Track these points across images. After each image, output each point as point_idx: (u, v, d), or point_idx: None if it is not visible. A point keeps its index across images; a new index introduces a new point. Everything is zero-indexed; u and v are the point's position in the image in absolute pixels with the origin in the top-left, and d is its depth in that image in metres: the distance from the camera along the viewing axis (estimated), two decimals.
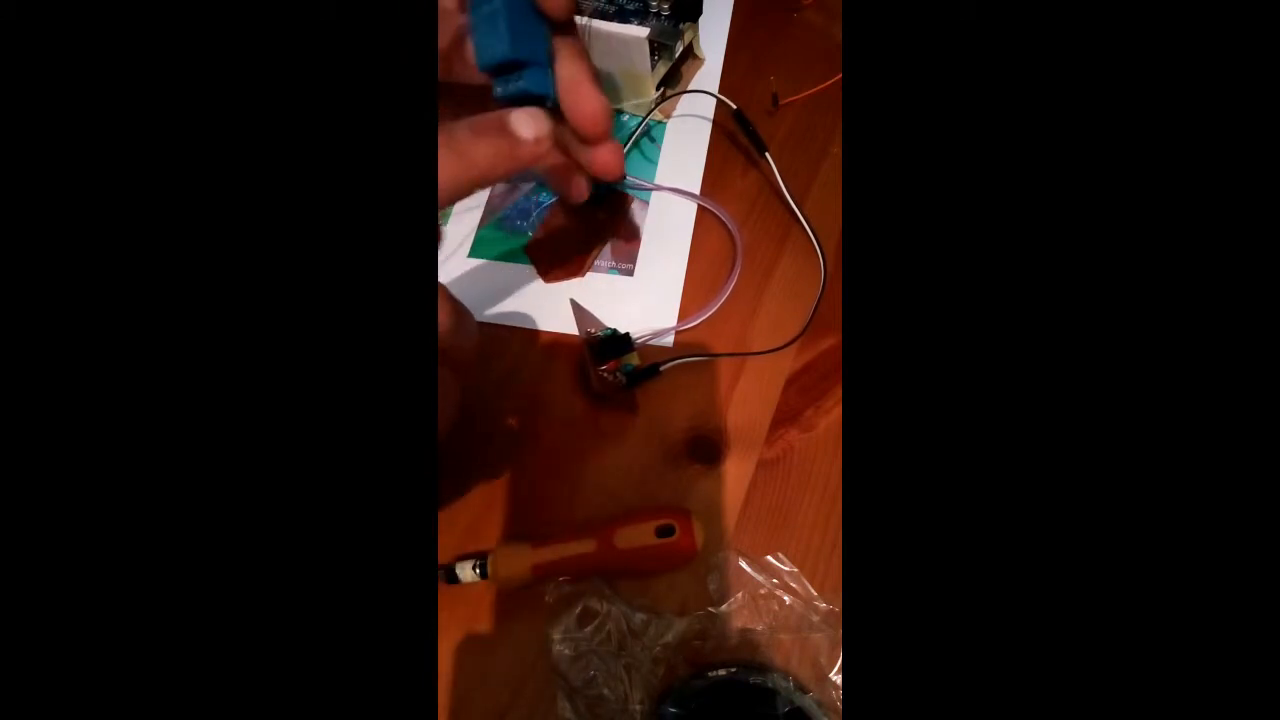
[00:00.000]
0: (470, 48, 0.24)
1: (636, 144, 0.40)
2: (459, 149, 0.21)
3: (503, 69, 0.23)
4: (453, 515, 0.32)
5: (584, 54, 0.24)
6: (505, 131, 0.22)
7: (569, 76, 0.23)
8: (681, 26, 0.39)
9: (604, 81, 0.40)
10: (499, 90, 0.23)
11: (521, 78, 0.23)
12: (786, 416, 0.33)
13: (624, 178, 0.26)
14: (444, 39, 0.24)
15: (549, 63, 0.23)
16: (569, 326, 0.35)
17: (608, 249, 0.38)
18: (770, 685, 0.27)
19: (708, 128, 0.41)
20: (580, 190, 0.27)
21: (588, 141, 0.24)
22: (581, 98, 0.23)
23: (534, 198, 0.39)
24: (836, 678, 0.27)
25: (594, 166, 0.25)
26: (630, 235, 0.38)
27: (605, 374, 0.32)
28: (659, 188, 0.39)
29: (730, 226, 0.37)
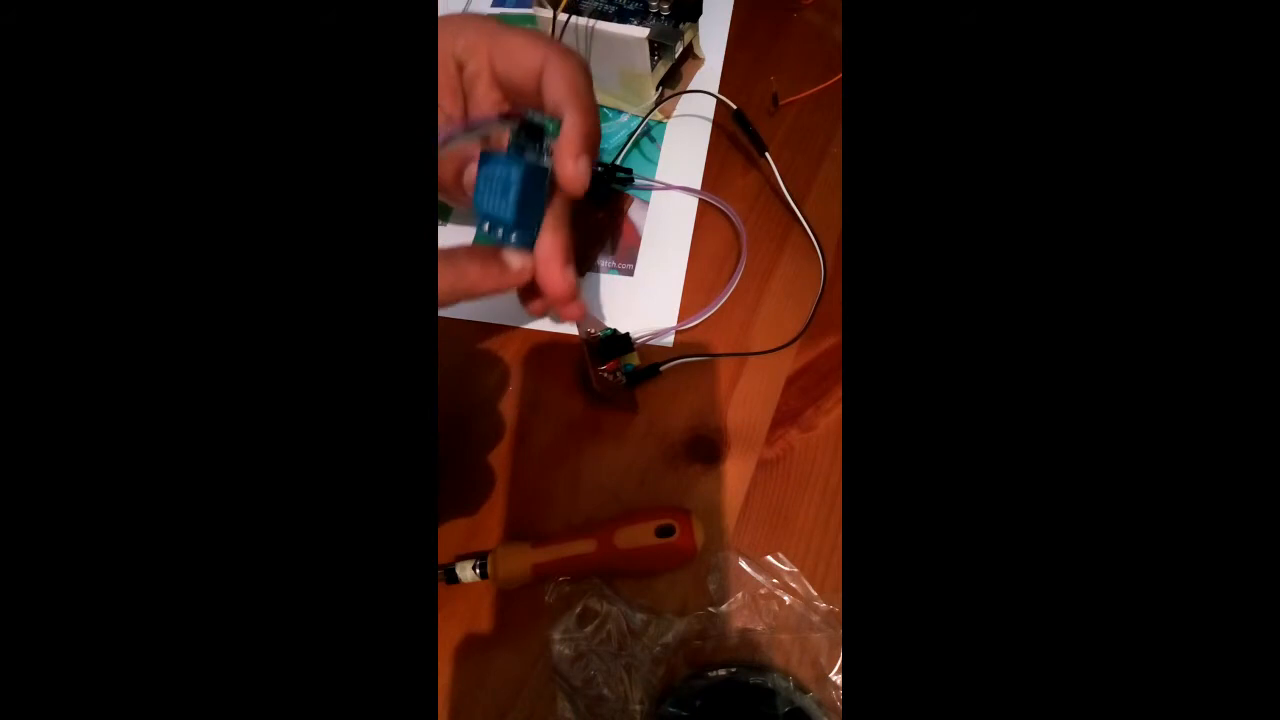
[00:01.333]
0: (469, 178, 0.27)
1: (636, 144, 0.40)
2: (455, 265, 0.26)
3: (495, 221, 0.26)
4: (453, 515, 0.32)
5: (565, 223, 0.28)
6: (497, 259, 0.27)
7: (546, 252, 0.27)
8: (681, 26, 0.39)
9: (603, 82, 0.40)
10: (483, 231, 0.27)
11: (510, 237, 0.27)
12: (786, 416, 0.33)
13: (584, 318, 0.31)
14: (443, 158, 0.28)
15: (537, 228, 0.27)
16: (569, 326, 0.35)
17: (608, 249, 0.38)
18: (770, 685, 0.27)
19: (708, 128, 0.41)
20: (536, 311, 0.32)
21: (555, 304, 0.29)
22: (552, 277, 0.28)
23: None
24: (836, 678, 0.27)
25: (561, 315, 0.31)
26: (628, 236, 0.38)
27: (605, 374, 0.32)
28: (667, 186, 0.39)
29: (734, 219, 0.37)
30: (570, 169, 0.26)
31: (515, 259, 0.27)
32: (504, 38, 0.28)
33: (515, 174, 0.26)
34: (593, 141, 0.27)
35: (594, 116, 0.27)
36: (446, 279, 0.26)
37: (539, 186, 0.26)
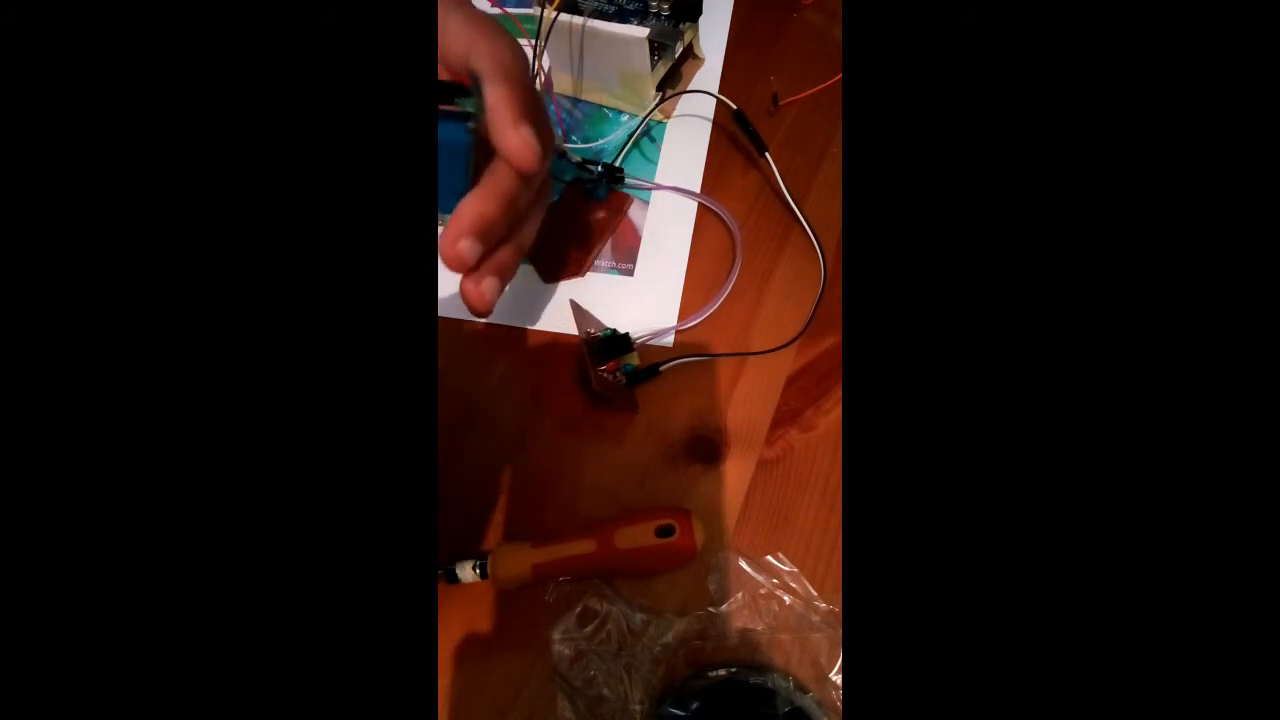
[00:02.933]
0: None
1: (636, 144, 0.40)
2: None
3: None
4: (453, 515, 0.32)
5: (490, 195, 0.25)
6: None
7: (452, 217, 0.25)
8: (681, 26, 0.39)
9: (603, 82, 0.40)
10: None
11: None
12: (786, 416, 0.33)
13: (486, 312, 0.28)
14: None
15: (458, 197, 0.25)
16: (569, 326, 0.35)
17: (608, 249, 0.38)
18: (770, 685, 0.27)
19: (708, 128, 0.41)
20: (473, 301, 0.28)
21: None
22: (444, 239, 0.25)
23: None
24: (836, 678, 0.27)
25: (460, 291, 0.27)
26: (630, 236, 0.38)
27: (605, 374, 0.32)
28: (659, 186, 0.39)
29: (729, 222, 0.37)
30: (511, 139, 0.24)
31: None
32: (446, 19, 0.27)
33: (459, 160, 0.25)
34: (529, 108, 0.25)
35: (522, 87, 0.25)
36: None
37: (453, 163, 0.25)
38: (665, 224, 0.38)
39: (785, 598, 0.29)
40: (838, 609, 0.28)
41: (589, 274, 0.37)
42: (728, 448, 0.32)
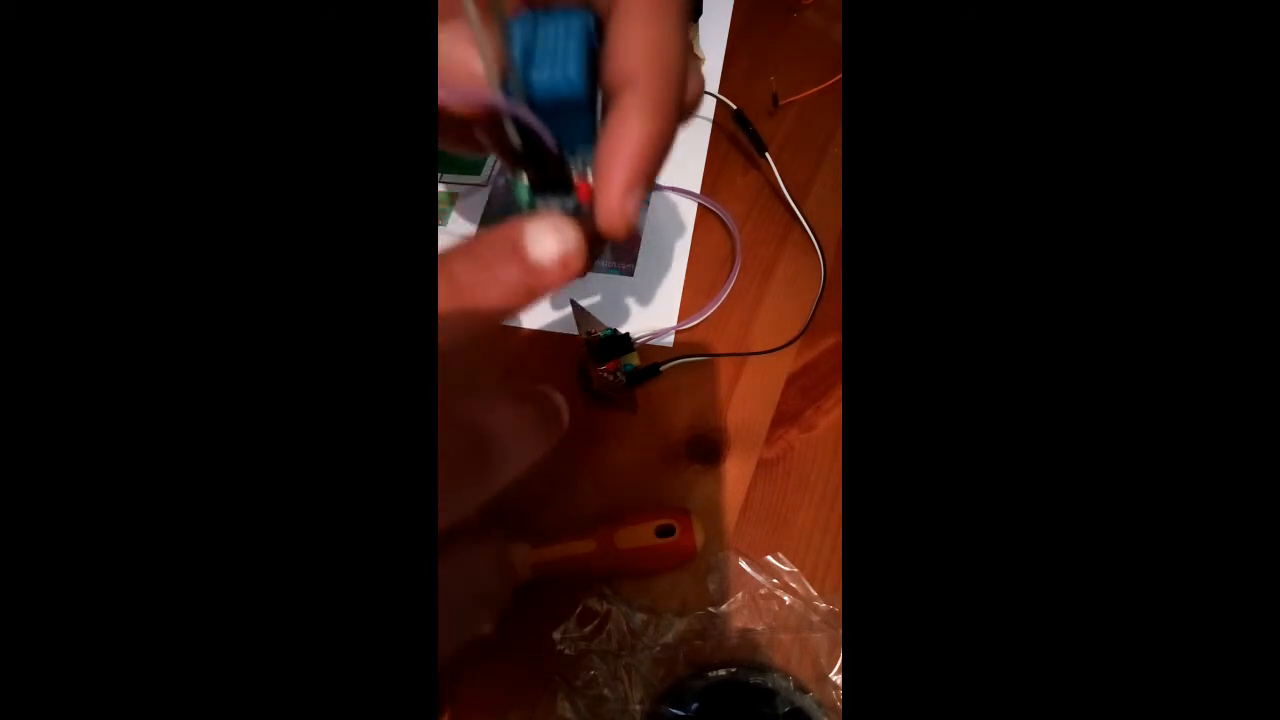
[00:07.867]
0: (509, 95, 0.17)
1: None
2: (458, 288, 0.16)
3: (559, 110, 0.17)
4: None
5: (647, 127, 0.17)
6: (518, 256, 0.16)
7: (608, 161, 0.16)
8: None
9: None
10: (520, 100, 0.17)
11: (576, 123, 0.18)
12: (786, 416, 0.33)
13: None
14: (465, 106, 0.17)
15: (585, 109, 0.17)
16: (569, 326, 0.35)
17: (608, 249, 0.38)
18: (770, 685, 0.27)
19: (708, 128, 0.41)
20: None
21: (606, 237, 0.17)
22: (610, 193, 0.16)
23: None
24: (836, 678, 0.27)
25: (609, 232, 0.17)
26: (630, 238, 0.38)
27: (605, 374, 0.32)
28: (659, 187, 0.39)
29: (728, 223, 0.37)
30: (613, 205, 0.16)
31: (545, 243, 0.16)
32: None
33: (577, 26, 0.17)
34: (655, 160, 0.17)
35: (665, 115, 0.17)
36: (447, 314, 0.16)
37: (567, 46, 0.17)
38: (665, 224, 0.38)
39: (785, 598, 0.29)
40: (838, 609, 0.28)
41: (589, 274, 0.37)
42: (728, 448, 0.32)
